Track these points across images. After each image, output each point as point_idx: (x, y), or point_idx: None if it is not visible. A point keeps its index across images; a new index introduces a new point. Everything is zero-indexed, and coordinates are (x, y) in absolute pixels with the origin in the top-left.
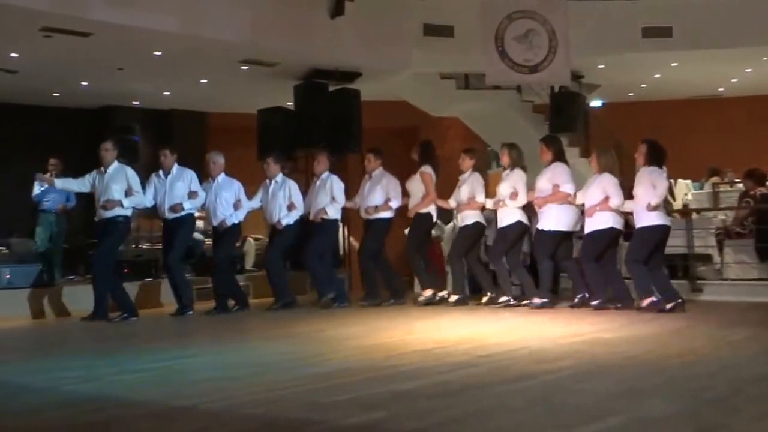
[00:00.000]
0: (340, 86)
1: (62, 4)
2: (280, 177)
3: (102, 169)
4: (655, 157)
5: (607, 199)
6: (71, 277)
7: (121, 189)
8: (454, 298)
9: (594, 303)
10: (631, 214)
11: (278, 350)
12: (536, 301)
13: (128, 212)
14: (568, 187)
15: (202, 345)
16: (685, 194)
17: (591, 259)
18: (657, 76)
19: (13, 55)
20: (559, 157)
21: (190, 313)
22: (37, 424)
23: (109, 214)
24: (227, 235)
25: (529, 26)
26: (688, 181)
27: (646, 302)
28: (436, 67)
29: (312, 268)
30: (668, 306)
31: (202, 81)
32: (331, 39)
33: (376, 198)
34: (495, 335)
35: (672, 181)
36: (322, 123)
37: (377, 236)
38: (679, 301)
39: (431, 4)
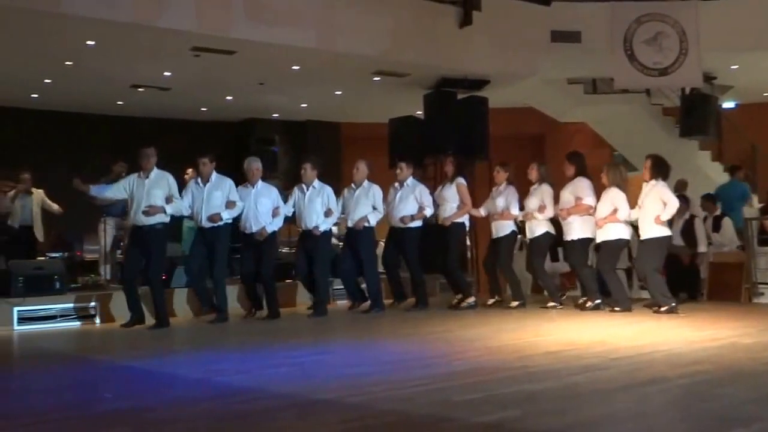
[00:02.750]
0: (469, 94)
1: (209, 25)
2: (317, 183)
3: (141, 173)
4: (661, 171)
5: (615, 211)
6: None
7: (162, 195)
8: (515, 303)
9: (617, 308)
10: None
11: (410, 349)
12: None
13: (168, 219)
14: (590, 200)
15: (339, 342)
16: None
17: (609, 268)
18: None
19: (166, 73)
20: (582, 171)
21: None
22: (190, 412)
23: (150, 220)
24: (268, 245)
25: (659, 29)
26: None
27: (664, 308)
28: (563, 72)
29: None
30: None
31: (337, 93)
32: (460, 48)
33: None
34: (626, 338)
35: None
36: (451, 131)
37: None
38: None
39: (558, 10)
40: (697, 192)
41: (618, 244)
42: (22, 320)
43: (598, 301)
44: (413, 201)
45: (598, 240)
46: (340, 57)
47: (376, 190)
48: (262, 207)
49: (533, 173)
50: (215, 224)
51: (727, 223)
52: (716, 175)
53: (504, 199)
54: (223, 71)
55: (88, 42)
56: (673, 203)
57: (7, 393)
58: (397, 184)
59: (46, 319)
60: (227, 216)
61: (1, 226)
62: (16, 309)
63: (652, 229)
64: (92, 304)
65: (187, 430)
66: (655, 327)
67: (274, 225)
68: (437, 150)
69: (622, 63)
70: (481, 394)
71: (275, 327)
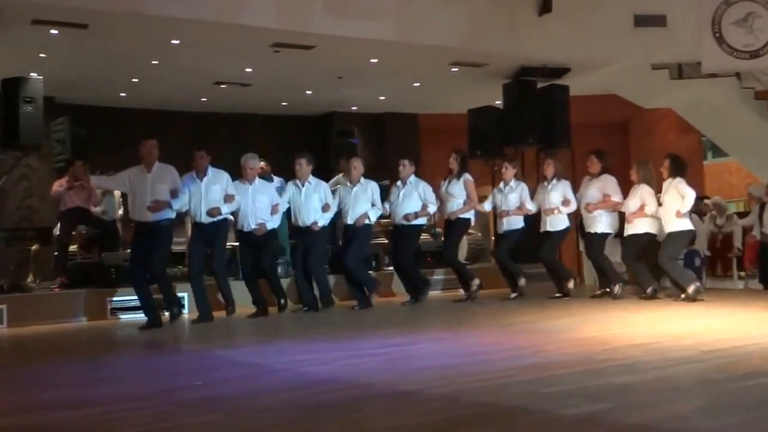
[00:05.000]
0: (549, 83)
1: (289, 21)
2: (312, 179)
3: (142, 166)
4: (678, 169)
5: (642, 207)
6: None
7: (167, 189)
8: (615, 288)
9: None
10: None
11: (493, 340)
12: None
13: (174, 215)
14: (618, 197)
15: (421, 334)
16: None
17: (633, 258)
18: None
19: (248, 70)
20: (607, 169)
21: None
22: (278, 401)
23: (156, 216)
24: (269, 241)
25: (750, 9)
26: None
27: (691, 288)
28: (647, 57)
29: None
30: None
31: (415, 84)
32: (539, 36)
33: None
34: (719, 330)
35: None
36: (531, 120)
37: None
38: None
39: None
40: None
41: (644, 239)
42: (115, 310)
43: (621, 287)
44: (417, 198)
45: (626, 234)
46: (418, 49)
47: (374, 187)
48: (260, 204)
49: (549, 169)
50: (214, 219)
51: None
52: None
53: (517, 195)
54: (302, 66)
55: (173, 41)
56: (690, 196)
57: (101, 381)
58: (399, 182)
59: (138, 309)
60: (227, 210)
61: (95, 220)
62: (109, 299)
63: (674, 224)
64: (180, 294)
65: (276, 419)
66: (750, 319)
67: (274, 222)
68: (518, 140)
69: (710, 46)
70: (569, 387)
71: (354, 318)
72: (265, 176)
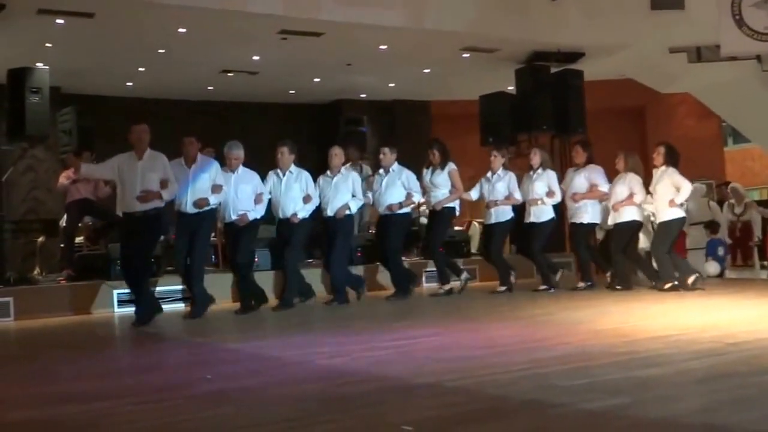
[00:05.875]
0: (563, 67)
1: (297, 8)
2: (294, 168)
3: (132, 153)
4: (673, 158)
5: (631, 195)
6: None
7: (157, 179)
8: (582, 284)
9: (618, 287)
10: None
11: (511, 332)
12: (581, 284)
13: (163, 205)
14: (606, 187)
15: (436, 326)
16: None
17: (620, 249)
18: None
19: (255, 58)
20: (592, 159)
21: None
22: (294, 394)
23: (144, 207)
24: (248, 233)
25: None
26: None
27: (668, 285)
28: (664, 41)
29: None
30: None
31: (425, 71)
32: (552, 20)
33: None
34: (743, 322)
35: None
36: (545, 106)
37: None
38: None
39: None
40: None
41: (631, 226)
42: (122, 302)
43: (590, 282)
44: (400, 187)
45: (611, 222)
46: (429, 34)
47: (355, 177)
48: (243, 194)
49: (535, 158)
50: (201, 210)
51: None
52: None
53: (505, 184)
54: (310, 53)
55: (180, 29)
56: (687, 187)
57: (111, 374)
58: (381, 170)
59: None
60: (214, 201)
61: (102, 212)
62: (115, 292)
63: (666, 213)
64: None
65: (290, 413)
66: None
67: (257, 212)
68: (531, 126)
69: (729, 28)
70: (588, 380)
71: (368, 311)
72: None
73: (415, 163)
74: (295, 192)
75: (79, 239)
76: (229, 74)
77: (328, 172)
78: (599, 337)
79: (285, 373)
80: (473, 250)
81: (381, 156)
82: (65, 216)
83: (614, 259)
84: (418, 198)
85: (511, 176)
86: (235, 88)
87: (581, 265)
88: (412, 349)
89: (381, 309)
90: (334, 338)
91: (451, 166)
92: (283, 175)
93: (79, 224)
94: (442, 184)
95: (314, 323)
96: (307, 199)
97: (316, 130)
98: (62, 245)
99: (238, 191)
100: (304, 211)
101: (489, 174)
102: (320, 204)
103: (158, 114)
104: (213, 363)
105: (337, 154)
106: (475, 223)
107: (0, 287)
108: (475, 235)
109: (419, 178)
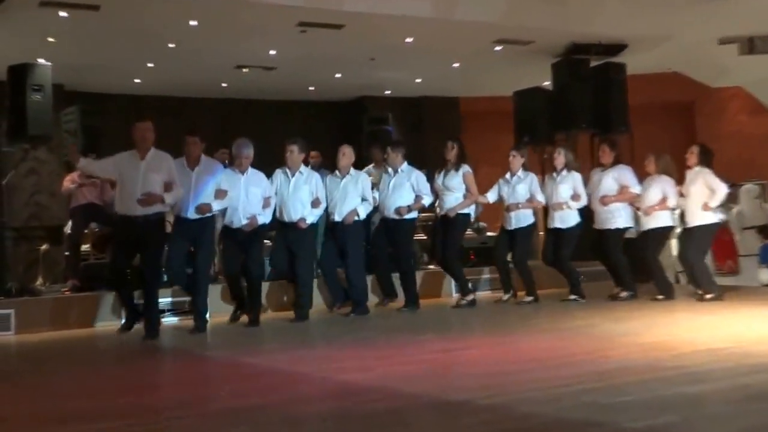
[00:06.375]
0: (603, 61)
1: None
2: (304, 168)
3: (135, 152)
4: (707, 159)
5: (664, 199)
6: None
7: (161, 181)
8: (625, 294)
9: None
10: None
11: (548, 345)
12: (624, 294)
13: (167, 209)
14: (638, 189)
15: (468, 338)
16: None
17: (656, 256)
18: None
19: (272, 52)
20: (619, 158)
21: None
22: (315, 412)
23: (145, 211)
24: (257, 239)
25: None
26: None
27: (709, 296)
28: (713, 31)
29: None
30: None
31: (454, 65)
32: (591, 10)
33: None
34: None
35: None
36: (584, 102)
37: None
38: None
39: None
40: None
41: (664, 232)
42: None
43: (633, 292)
44: (409, 189)
45: (645, 227)
46: (458, 26)
47: (365, 179)
48: (253, 197)
49: (559, 159)
50: (202, 216)
51: None
52: None
53: (526, 186)
54: (330, 47)
55: (191, 22)
56: (722, 190)
57: (121, 391)
58: (390, 170)
59: (161, 313)
60: (217, 207)
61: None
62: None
63: (699, 216)
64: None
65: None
66: None
67: (266, 216)
68: (569, 125)
69: None
70: (634, 397)
71: (391, 323)
72: (319, 168)
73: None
74: (303, 194)
75: (85, 247)
76: (243, 70)
77: (337, 173)
78: (644, 350)
79: (304, 389)
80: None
81: (385, 156)
82: (70, 222)
83: (651, 267)
84: (428, 201)
85: (533, 178)
86: (250, 84)
87: (619, 273)
88: (440, 363)
89: (406, 321)
90: (356, 352)
91: (466, 168)
92: (292, 175)
93: (85, 231)
94: (456, 187)
95: (334, 336)
96: (316, 203)
97: (337, 130)
98: (67, 253)
99: (248, 194)
100: (312, 216)
101: (507, 175)
102: (327, 207)
103: (168, 113)
104: (226, 379)
105: (345, 153)
106: None
107: (0, 299)
108: None
109: (430, 180)
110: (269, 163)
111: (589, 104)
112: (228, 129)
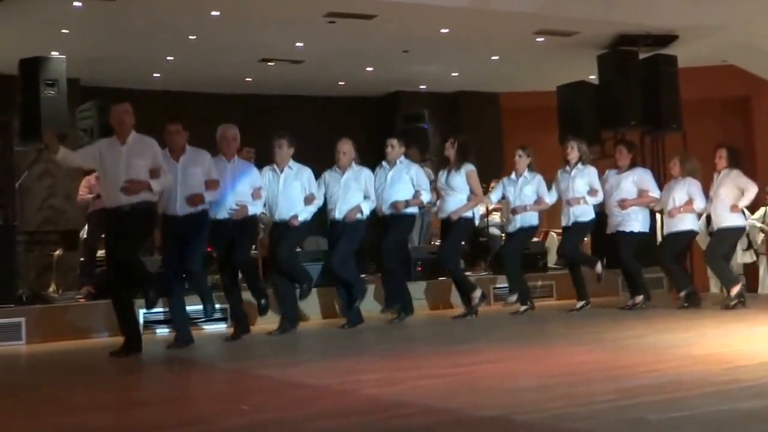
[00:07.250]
0: (653, 53)
1: None
2: (293, 163)
3: (115, 138)
4: (736, 160)
5: (690, 201)
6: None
7: (145, 166)
8: (640, 299)
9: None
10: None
11: (592, 357)
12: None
13: (155, 198)
14: (657, 192)
15: (501, 350)
16: None
17: (676, 260)
18: None
19: (298, 44)
20: (637, 161)
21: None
22: (336, 428)
23: (131, 200)
24: (245, 229)
25: None
26: None
27: (734, 290)
28: None
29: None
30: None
31: (493, 58)
32: None
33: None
34: None
35: None
36: (633, 97)
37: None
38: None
39: None
40: None
41: (688, 236)
42: (149, 323)
43: (647, 295)
44: (408, 183)
45: (669, 230)
46: (497, 16)
47: (368, 174)
48: (242, 187)
49: (573, 153)
50: (194, 209)
51: None
52: None
53: (533, 187)
54: (361, 39)
55: (213, 12)
56: (753, 190)
57: (134, 405)
58: (385, 164)
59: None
60: (209, 198)
61: None
62: (142, 311)
63: (727, 218)
64: (219, 306)
65: None
66: None
67: (256, 207)
68: (617, 122)
69: None
70: (683, 413)
71: (419, 333)
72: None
73: (485, 164)
74: (294, 191)
75: (101, 253)
76: (269, 63)
77: (336, 167)
78: (696, 362)
79: (326, 403)
80: (550, 263)
81: (388, 149)
82: (86, 226)
83: (666, 270)
84: (426, 197)
85: (540, 179)
86: (276, 79)
87: (634, 279)
88: (474, 376)
89: (436, 330)
90: (382, 363)
91: (469, 167)
92: (281, 171)
93: (102, 236)
94: (459, 187)
95: (358, 346)
96: (309, 199)
97: (369, 127)
98: (82, 259)
99: (237, 183)
100: (305, 213)
101: (513, 175)
102: (326, 204)
103: (189, 108)
104: (246, 392)
105: (346, 151)
106: (553, 233)
107: (11, 306)
108: (553, 247)
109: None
110: (297, 161)
111: (638, 99)
112: (253, 126)
